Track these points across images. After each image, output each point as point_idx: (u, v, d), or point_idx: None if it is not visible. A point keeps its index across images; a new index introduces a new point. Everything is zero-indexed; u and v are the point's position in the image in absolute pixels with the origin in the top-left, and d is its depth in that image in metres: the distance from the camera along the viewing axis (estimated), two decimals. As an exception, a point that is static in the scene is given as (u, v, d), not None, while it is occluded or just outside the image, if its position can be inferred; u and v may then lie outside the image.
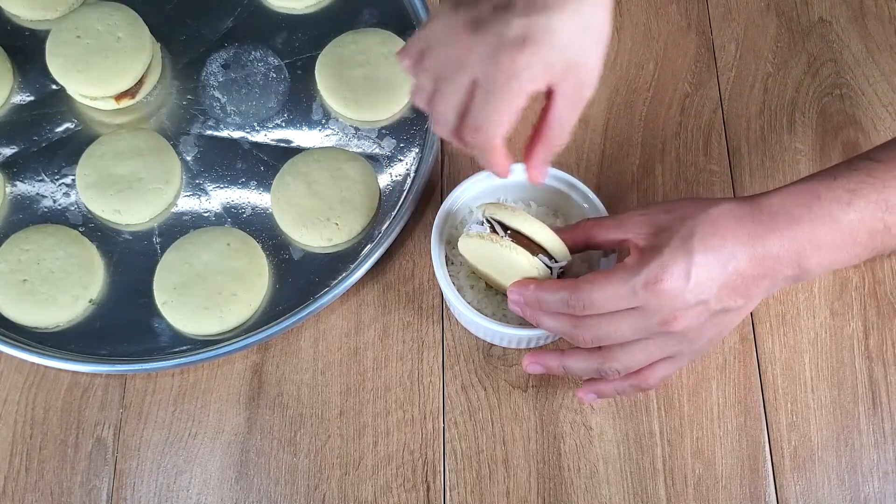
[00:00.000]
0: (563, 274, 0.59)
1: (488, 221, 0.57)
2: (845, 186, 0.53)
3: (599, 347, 0.56)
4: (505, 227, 0.57)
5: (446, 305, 0.67)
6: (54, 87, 0.75)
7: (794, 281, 0.54)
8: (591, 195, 0.63)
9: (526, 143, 0.57)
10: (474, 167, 0.62)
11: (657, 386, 0.59)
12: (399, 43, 0.74)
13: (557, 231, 0.58)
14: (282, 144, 0.73)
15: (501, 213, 0.57)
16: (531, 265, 0.56)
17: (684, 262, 0.51)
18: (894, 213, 0.53)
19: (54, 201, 0.72)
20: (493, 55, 0.51)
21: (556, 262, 0.58)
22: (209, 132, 0.74)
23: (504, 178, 0.58)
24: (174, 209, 0.71)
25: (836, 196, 0.53)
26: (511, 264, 0.57)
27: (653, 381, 0.57)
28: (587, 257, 0.64)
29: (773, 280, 0.53)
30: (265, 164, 0.73)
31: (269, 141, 0.73)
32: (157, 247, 0.70)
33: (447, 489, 0.62)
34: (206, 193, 0.72)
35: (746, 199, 0.55)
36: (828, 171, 0.55)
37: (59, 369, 0.66)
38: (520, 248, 0.56)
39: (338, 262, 0.69)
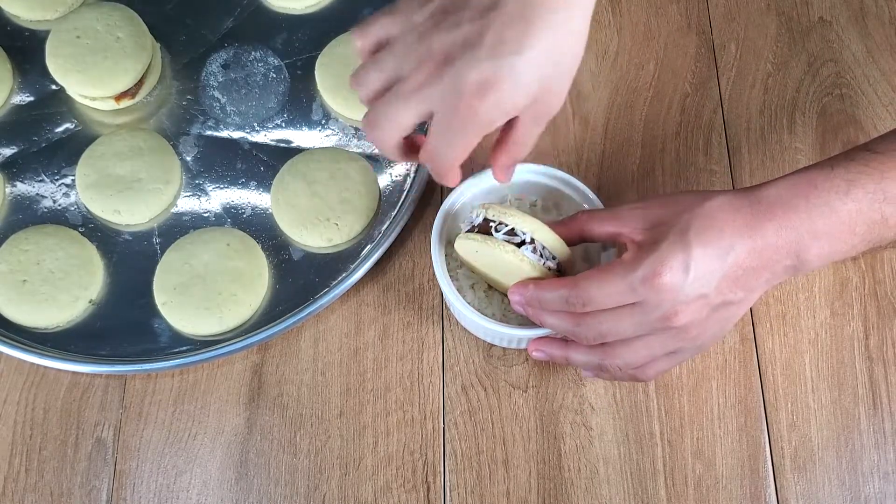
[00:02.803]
0: (561, 271, 0.59)
1: (484, 220, 0.57)
2: (843, 176, 0.53)
3: (602, 343, 0.56)
4: (500, 225, 0.57)
5: (446, 305, 0.67)
6: (54, 87, 0.75)
7: (793, 272, 0.54)
8: (592, 195, 0.63)
9: (492, 145, 0.58)
10: (474, 167, 0.62)
11: (654, 378, 0.59)
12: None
13: (552, 224, 0.58)
14: (282, 144, 0.73)
15: (494, 211, 0.57)
16: (519, 260, 0.56)
17: (683, 255, 0.51)
18: (892, 203, 0.53)
19: (54, 201, 0.72)
20: (453, 99, 0.50)
21: (554, 257, 0.58)
22: (209, 132, 0.74)
23: (451, 186, 0.59)
24: (174, 209, 0.71)
25: (834, 185, 0.53)
26: (503, 262, 0.57)
27: (650, 374, 0.57)
28: (588, 256, 0.64)
29: (772, 272, 0.53)
30: (265, 164, 0.72)
31: (269, 141, 0.73)
32: (157, 247, 0.70)
33: (447, 489, 0.62)
34: (206, 194, 0.72)
35: (743, 190, 0.55)
36: (825, 161, 0.55)
37: (59, 370, 0.66)
38: (508, 246, 0.56)
39: (338, 262, 0.69)
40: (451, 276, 0.62)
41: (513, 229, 0.56)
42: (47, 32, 0.74)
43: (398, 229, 0.68)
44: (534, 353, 0.60)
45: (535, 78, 0.51)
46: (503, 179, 0.60)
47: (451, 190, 0.63)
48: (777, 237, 0.52)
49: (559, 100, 0.54)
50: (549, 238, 0.57)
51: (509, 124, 0.55)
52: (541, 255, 0.57)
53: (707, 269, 0.51)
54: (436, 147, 0.53)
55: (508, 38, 0.49)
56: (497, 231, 0.56)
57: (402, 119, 0.53)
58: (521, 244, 0.56)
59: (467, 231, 0.58)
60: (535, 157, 0.64)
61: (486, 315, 0.61)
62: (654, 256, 0.52)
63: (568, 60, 0.52)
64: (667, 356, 0.56)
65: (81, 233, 0.70)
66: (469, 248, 0.59)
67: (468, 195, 0.64)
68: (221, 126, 0.74)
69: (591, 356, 0.57)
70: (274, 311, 0.67)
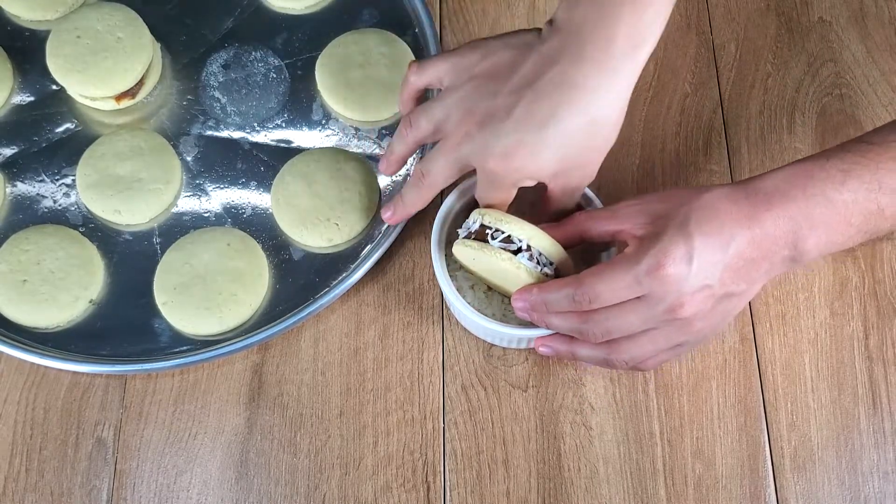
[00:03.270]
0: (558, 274, 0.59)
1: (481, 227, 0.57)
2: (838, 167, 0.53)
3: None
4: (497, 233, 0.57)
5: (446, 305, 0.67)
6: (54, 87, 0.75)
7: (792, 264, 0.54)
8: (592, 196, 0.63)
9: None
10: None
11: (655, 368, 0.60)
12: (398, 44, 0.74)
13: (549, 228, 0.58)
14: (282, 144, 0.73)
15: (491, 217, 0.57)
16: (516, 268, 0.56)
17: (685, 246, 0.52)
18: (888, 194, 0.53)
19: (54, 201, 0.72)
20: (482, 160, 0.56)
21: (551, 263, 0.57)
22: (209, 132, 0.74)
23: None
24: (174, 209, 0.71)
25: (830, 175, 0.53)
26: (500, 269, 0.57)
27: (652, 365, 0.58)
28: (586, 257, 0.64)
29: (771, 262, 0.54)
30: (265, 164, 0.73)
31: (269, 141, 0.73)
32: (157, 247, 0.70)
33: (447, 489, 0.62)
34: (206, 194, 0.72)
35: (740, 183, 0.55)
36: (821, 153, 0.55)
37: (60, 369, 0.66)
38: (504, 254, 0.56)
39: (338, 262, 0.69)
40: (450, 277, 0.62)
41: (509, 236, 0.56)
42: (47, 32, 0.74)
43: (398, 229, 0.68)
44: (540, 349, 0.60)
45: (554, 152, 0.55)
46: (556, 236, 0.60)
47: (450, 190, 0.64)
48: (775, 227, 0.53)
49: (586, 174, 0.59)
50: (545, 244, 0.57)
51: (543, 196, 0.59)
52: (538, 262, 0.57)
53: (710, 260, 0.52)
54: (480, 195, 0.60)
55: (534, 115, 0.54)
56: (493, 238, 0.56)
57: (446, 172, 0.59)
58: (517, 251, 0.56)
59: (464, 237, 0.58)
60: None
61: (486, 315, 0.61)
62: (657, 248, 0.52)
63: (595, 141, 0.56)
64: (670, 349, 0.56)
65: (82, 233, 0.70)
66: (466, 254, 0.59)
67: (468, 196, 0.64)
68: (222, 126, 0.74)
69: (596, 351, 0.58)
70: (274, 311, 0.67)
